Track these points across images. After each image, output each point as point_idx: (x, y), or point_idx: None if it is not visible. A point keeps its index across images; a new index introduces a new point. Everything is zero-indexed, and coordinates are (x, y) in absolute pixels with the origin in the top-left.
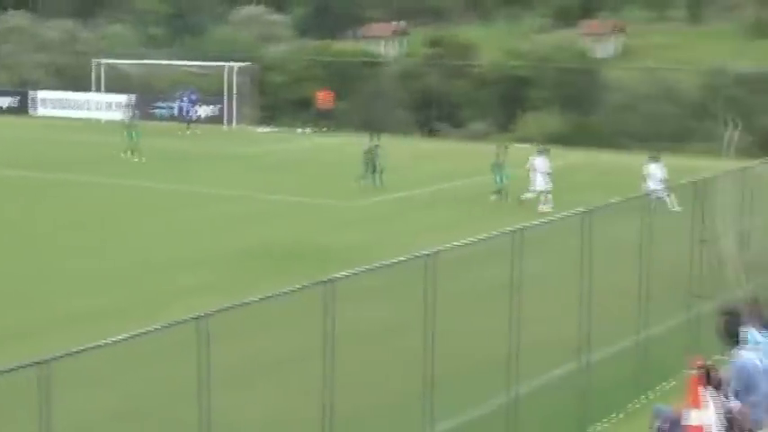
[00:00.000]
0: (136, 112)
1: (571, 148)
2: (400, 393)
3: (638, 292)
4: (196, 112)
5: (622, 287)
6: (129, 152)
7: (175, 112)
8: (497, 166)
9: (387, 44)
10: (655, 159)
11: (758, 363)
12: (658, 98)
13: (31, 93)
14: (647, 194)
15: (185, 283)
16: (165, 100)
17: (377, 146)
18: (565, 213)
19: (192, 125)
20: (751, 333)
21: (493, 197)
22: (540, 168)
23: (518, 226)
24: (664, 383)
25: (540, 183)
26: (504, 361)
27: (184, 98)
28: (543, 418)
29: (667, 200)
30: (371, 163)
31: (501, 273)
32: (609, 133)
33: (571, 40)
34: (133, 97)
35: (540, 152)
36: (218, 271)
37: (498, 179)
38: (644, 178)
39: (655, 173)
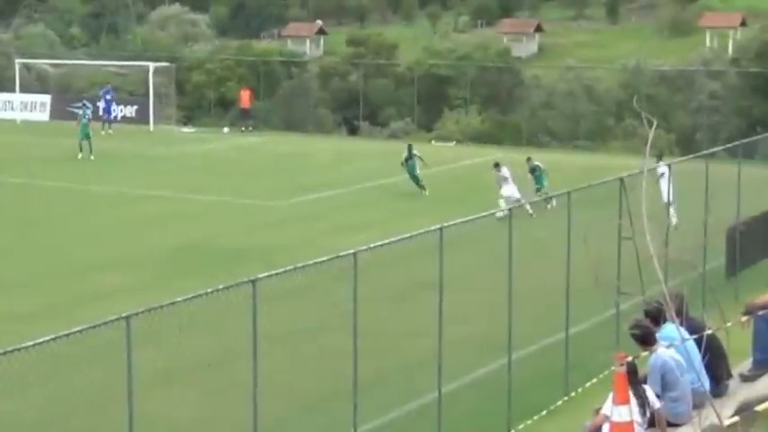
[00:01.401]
0: (86, 111)
1: (491, 147)
2: (326, 393)
3: (563, 289)
4: (113, 111)
5: (547, 285)
6: (89, 152)
7: (100, 111)
8: (539, 173)
9: (307, 44)
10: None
11: (676, 359)
12: (577, 96)
13: None
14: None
15: (108, 284)
16: (89, 99)
17: (409, 156)
18: (489, 212)
19: (106, 125)
20: (669, 330)
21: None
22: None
23: (440, 225)
24: (589, 381)
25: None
26: (429, 360)
27: (105, 97)
28: (470, 417)
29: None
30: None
31: (425, 271)
32: (529, 131)
33: (491, 39)
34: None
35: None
36: (142, 272)
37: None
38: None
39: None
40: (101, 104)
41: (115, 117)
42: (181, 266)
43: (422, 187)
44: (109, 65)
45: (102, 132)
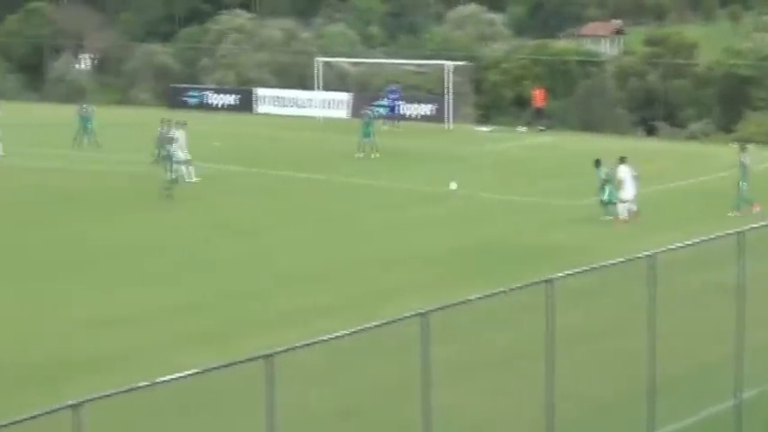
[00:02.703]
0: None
1: None
2: (620, 395)
3: None
4: (399, 109)
5: None
6: (374, 151)
7: (387, 110)
8: (744, 170)
9: (605, 43)
10: None
11: None
12: None
13: (252, 91)
14: None
15: (401, 280)
16: (381, 98)
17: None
18: None
19: (388, 122)
20: None
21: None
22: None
23: (740, 228)
24: None
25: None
26: (727, 364)
27: (389, 96)
28: None
29: None
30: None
31: (722, 274)
32: None
33: None
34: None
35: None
36: (434, 268)
37: (742, 185)
38: None
39: None
40: (385, 102)
41: (402, 115)
42: (472, 264)
43: (608, 213)
44: (407, 63)
45: (384, 128)
